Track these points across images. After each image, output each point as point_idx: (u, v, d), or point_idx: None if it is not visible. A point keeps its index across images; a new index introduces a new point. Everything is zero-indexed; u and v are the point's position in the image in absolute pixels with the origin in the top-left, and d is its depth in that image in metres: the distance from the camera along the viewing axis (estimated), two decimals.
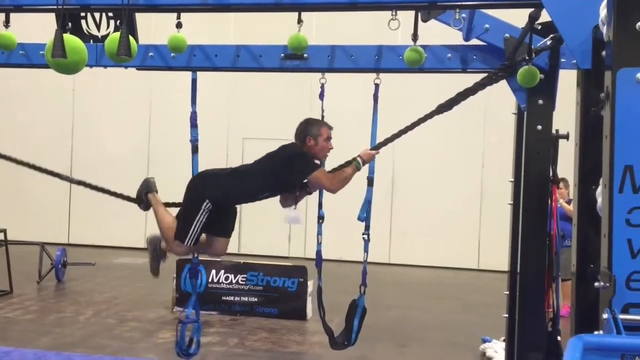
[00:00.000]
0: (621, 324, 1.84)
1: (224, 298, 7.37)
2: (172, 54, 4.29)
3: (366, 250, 4.24)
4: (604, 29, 2.14)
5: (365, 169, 4.24)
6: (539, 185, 3.87)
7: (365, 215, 4.17)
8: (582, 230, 2.46)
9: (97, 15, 4.29)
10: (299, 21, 3.01)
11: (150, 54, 4.38)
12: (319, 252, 4.32)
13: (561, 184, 8.23)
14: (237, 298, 7.35)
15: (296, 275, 7.28)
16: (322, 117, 4.34)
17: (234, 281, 7.38)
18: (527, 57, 3.10)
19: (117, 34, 3.15)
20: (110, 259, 11.03)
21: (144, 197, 4.38)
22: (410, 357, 6.14)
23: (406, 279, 10.28)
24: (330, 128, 4.09)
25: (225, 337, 6.43)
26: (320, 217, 4.30)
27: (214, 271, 7.46)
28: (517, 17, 3.71)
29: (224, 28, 10.66)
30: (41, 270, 8.70)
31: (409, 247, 11.66)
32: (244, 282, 7.36)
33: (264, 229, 11.64)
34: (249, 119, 12.18)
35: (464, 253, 11.68)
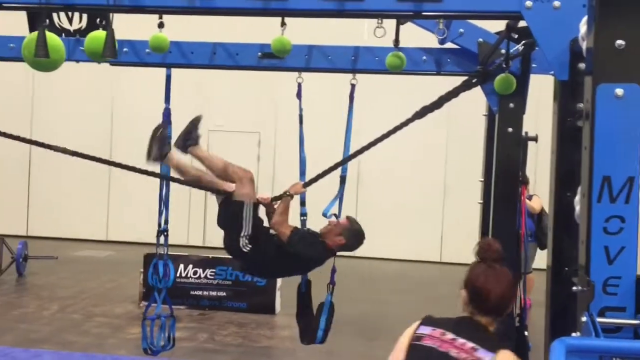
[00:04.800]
0: (599, 327, 1.95)
1: (192, 292, 7.37)
2: (147, 50, 4.27)
3: None
4: (584, 45, 2.24)
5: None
6: (509, 185, 4.00)
7: (328, 211, 4.22)
8: (557, 234, 2.57)
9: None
10: (282, 24, 3.04)
11: (124, 49, 4.33)
12: None
13: None
14: (205, 292, 7.35)
15: None
16: (300, 116, 4.37)
17: (202, 275, 7.38)
18: (504, 65, 3.20)
19: (98, 32, 3.14)
20: (72, 251, 10.85)
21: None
22: (379, 350, 6.24)
23: (371, 273, 10.43)
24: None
25: (195, 332, 6.44)
26: (303, 214, 4.34)
27: (182, 265, 7.44)
28: (490, 22, 3.82)
29: (199, 24, 10.56)
30: (1, 264, 8.52)
31: (373, 240, 11.80)
32: (212, 277, 7.37)
33: None
34: (215, 111, 12.10)
35: (427, 246, 11.91)
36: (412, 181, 11.83)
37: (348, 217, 4.09)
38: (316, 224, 4.19)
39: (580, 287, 2.10)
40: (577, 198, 2.25)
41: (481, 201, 4.42)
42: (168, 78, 4.50)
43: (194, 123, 4.25)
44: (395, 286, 9.53)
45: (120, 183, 12.14)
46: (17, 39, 4.34)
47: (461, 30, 3.87)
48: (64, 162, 11.03)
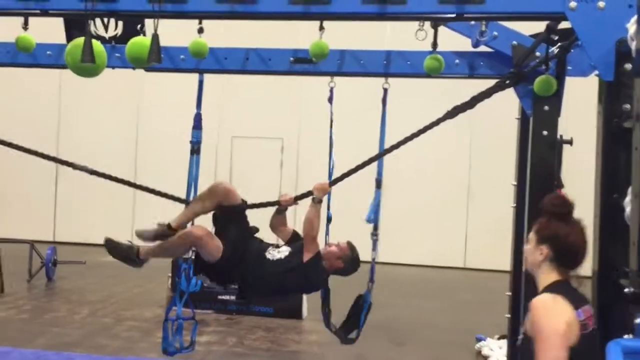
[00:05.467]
0: None
1: (219, 297, 7.39)
2: (181, 56, 4.33)
3: (375, 249, 4.31)
4: (633, 45, 2.23)
5: (374, 171, 4.34)
6: (544, 189, 3.97)
7: (373, 216, 4.24)
8: (603, 236, 2.55)
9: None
10: (321, 28, 3.06)
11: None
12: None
13: None
14: (232, 297, 7.36)
15: None
16: (331, 121, 4.39)
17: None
18: (544, 67, 3.19)
19: (139, 38, 3.18)
20: (98, 257, 10.91)
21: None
22: (408, 356, 6.24)
23: (395, 278, 10.39)
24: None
25: (224, 336, 6.46)
26: (328, 219, 4.36)
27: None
28: (524, 26, 3.82)
29: (227, 30, 10.67)
30: (31, 269, 8.63)
31: (395, 245, 11.79)
32: None
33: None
34: (239, 118, 12.18)
35: (450, 252, 11.84)
36: (435, 186, 11.78)
37: (348, 243, 4.09)
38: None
39: (632, 289, 2.08)
40: (628, 199, 2.23)
41: (514, 205, 4.40)
42: (200, 84, 4.54)
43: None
44: (420, 291, 9.49)
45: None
46: (53, 46, 4.42)
47: (495, 33, 3.86)
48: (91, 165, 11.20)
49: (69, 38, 4.03)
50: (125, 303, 7.71)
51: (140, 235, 4.13)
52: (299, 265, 3.90)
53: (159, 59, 2.62)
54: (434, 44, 3.30)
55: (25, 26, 3.48)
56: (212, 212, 4.16)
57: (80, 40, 2.95)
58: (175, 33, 3.94)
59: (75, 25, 4.16)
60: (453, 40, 4.04)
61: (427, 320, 7.64)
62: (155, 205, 13.92)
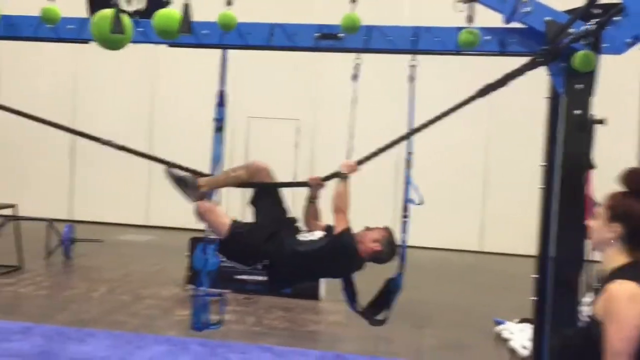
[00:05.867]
0: None
1: (236, 277, 7.38)
2: (203, 31, 4.25)
3: (405, 231, 4.28)
4: None
5: (403, 150, 4.30)
6: (576, 170, 3.89)
7: (414, 198, 4.20)
8: None
9: None
10: (353, 0, 2.98)
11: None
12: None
13: None
14: (250, 277, 7.36)
15: None
16: (355, 99, 4.32)
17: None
18: (583, 42, 3.09)
19: (167, 10, 3.12)
20: (115, 235, 11.01)
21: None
22: (429, 338, 6.21)
23: (412, 261, 10.33)
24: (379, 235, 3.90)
25: (242, 315, 6.46)
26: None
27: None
28: (558, 1, 3.71)
29: (255, 4, 10.58)
30: (50, 246, 8.67)
31: (413, 228, 11.71)
32: None
33: None
34: (254, 98, 12.10)
35: (466, 235, 11.77)
36: (451, 169, 11.69)
37: (386, 227, 3.92)
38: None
39: None
40: None
41: (543, 186, 4.32)
42: (224, 61, 4.47)
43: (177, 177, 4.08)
44: (439, 275, 9.44)
45: (161, 169, 12.25)
46: (75, 20, 4.36)
47: (528, 9, 3.76)
48: (106, 148, 11.19)
49: (93, 11, 3.98)
50: (143, 281, 7.72)
51: (170, 173, 4.09)
52: (329, 241, 3.77)
53: (190, 30, 2.56)
54: (470, 18, 3.20)
55: None
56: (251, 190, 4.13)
57: (106, 12, 2.91)
58: (197, 8, 3.90)
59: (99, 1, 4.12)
60: (483, 17, 3.95)
61: (445, 303, 7.60)
62: (169, 186, 13.93)
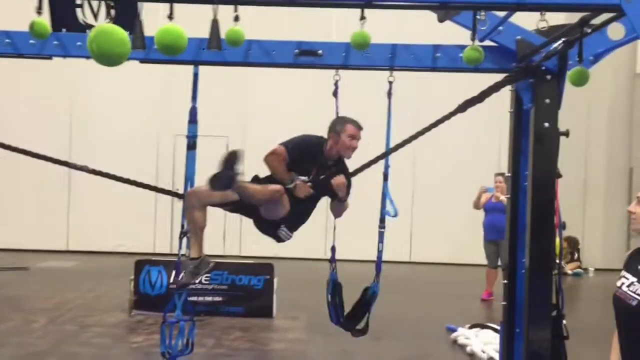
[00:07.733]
0: None
1: (188, 298, 7.15)
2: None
3: (381, 241, 4.40)
4: None
5: (380, 164, 4.40)
6: (546, 179, 4.14)
7: (392, 212, 4.32)
8: None
9: (94, 3, 4.12)
10: (362, 18, 3.03)
11: (155, 47, 4.19)
12: (333, 248, 4.41)
13: (501, 178, 8.71)
14: (201, 298, 7.17)
15: (262, 272, 7.22)
16: (336, 114, 4.38)
17: (197, 281, 7.19)
18: (577, 60, 3.32)
19: (169, 25, 3.04)
20: (35, 262, 10.34)
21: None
22: (389, 349, 6.30)
23: (347, 275, 10.44)
24: (358, 128, 4.13)
25: (200, 337, 6.23)
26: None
27: (174, 272, 7.22)
28: (525, 20, 3.96)
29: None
30: None
31: (343, 242, 11.87)
32: (207, 282, 7.20)
33: None
34: (182, 115, 11.82)
35: (396, 246, 12.08)
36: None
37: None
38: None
39: None
40: None
41: (508, 196, 4.55)
42: (195, 76, 4.41)
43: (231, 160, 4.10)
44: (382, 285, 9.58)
45: (80, 191, 11.69)
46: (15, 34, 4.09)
47: (500, 27, 3.98)
48: (18, 169, 10.53)
49: (56, 28, 3.87)
50: (84, 309, 7.32)
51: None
52: None
53: (220, 46, 2.51)
54: (473, 35, 3.35)
55: (39, 11, 3.23)
56: None
57: (106, 26, 2.79)
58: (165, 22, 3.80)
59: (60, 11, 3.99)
60: (453, 35, 4.14)
61: (395, 314, 7.72)
62: (91, 209, 13.34)
